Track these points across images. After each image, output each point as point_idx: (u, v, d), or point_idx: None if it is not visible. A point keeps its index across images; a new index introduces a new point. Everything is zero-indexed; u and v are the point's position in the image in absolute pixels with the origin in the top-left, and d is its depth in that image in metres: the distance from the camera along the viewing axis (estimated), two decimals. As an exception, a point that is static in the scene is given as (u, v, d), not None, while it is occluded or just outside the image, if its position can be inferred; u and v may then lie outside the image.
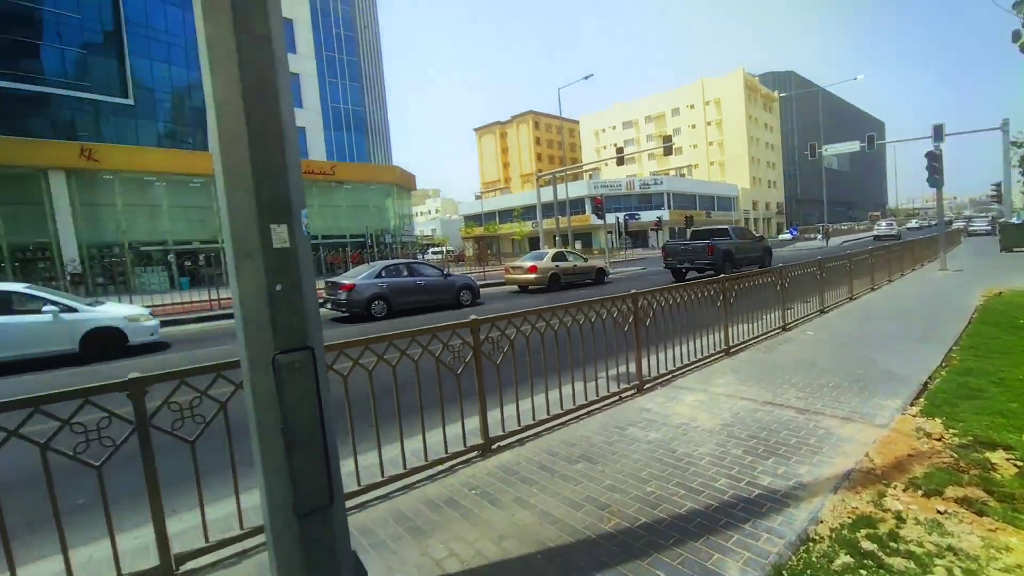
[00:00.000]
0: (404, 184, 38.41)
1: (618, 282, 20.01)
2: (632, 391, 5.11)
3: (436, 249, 53.79)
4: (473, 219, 72.24)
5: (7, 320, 8.21)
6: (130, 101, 34.19)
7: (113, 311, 9.25)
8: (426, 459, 3.51)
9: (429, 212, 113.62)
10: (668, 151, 28.50)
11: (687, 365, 5.84)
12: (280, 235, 1.76)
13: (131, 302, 13.37)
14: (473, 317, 3.81)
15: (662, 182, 60.68)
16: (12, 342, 8.20)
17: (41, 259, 21.89)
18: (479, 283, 16.05)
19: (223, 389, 2.69)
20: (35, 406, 2.20)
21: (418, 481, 3.43)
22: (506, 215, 64.42)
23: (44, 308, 8.39)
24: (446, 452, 3.62)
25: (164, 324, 11.59)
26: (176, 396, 2.55)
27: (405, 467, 3.39)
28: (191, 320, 13.54)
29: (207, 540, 2.68)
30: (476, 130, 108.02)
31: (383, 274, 12.89)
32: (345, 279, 12.59)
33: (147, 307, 10.93)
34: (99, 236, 23.52)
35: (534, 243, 52.41)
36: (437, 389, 3.56)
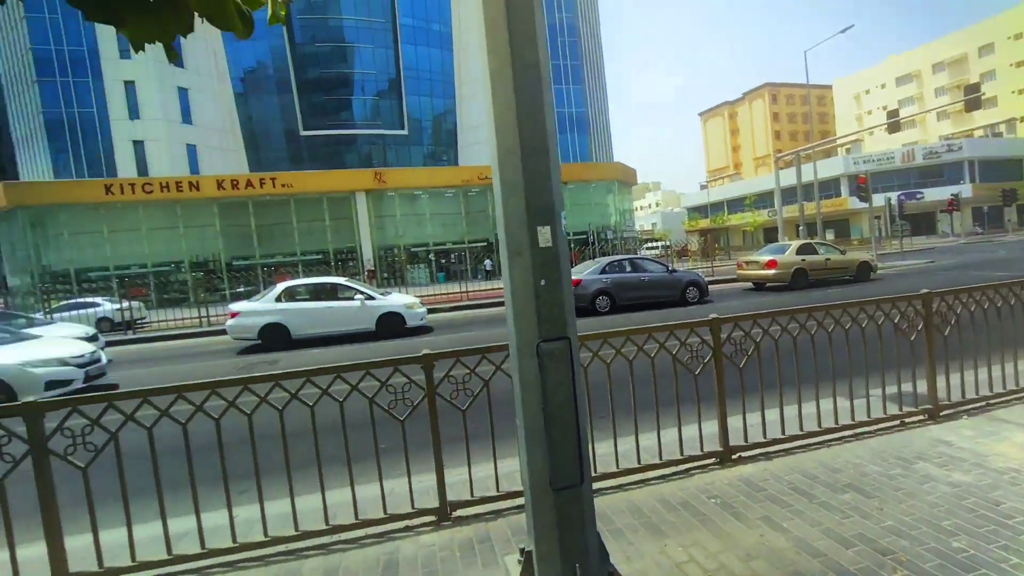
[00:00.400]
0: (625, 179, 38.34)
1: (890, 279, 16.14)
2: (921, 416, 4.08)
3: (651, 244, 51.81)
4: (697, 211, 67.66)
5: (334, 304, 11.19)
6: (405, 132, 42.68)
7: (397, 300, 11.72)
8: (660, 458, 3.46)
9: (649, 206, 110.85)
10: (974, 104, 21.60)
11: (1015, 392, 4.36)
12: (544, 235, 1.97)
13: (406, 293, 16.67)
14: (714, 315, 3.58)
15: (960, 147, 46.27)
16: (335, 321, 11.15)
17: (350, 259, 29.11)
18: (707, 279, 14.96)
19: (486, 368, 3.15)
20: (367, 369, 2.96)
21: (652, 478, 3.42)
22: (736, 204, 58.41)
23: (355, 296, 11.16)
24: (681, 454, 3.51)
25: (428, 311, 14.14)
26: (453, 371, 3.09)
27: (639, 462, 3.41)
28: (446, 309, 16.18)
29: (472, 495, 3.18)
30: (701, 115, 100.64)
31: (607, 270, 13.15)
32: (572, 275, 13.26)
33: (417, 297, 13.50)
34: (384, 240, 30.06)
35: (770, 234, 46.14)
36: (673, 388, 3.47)
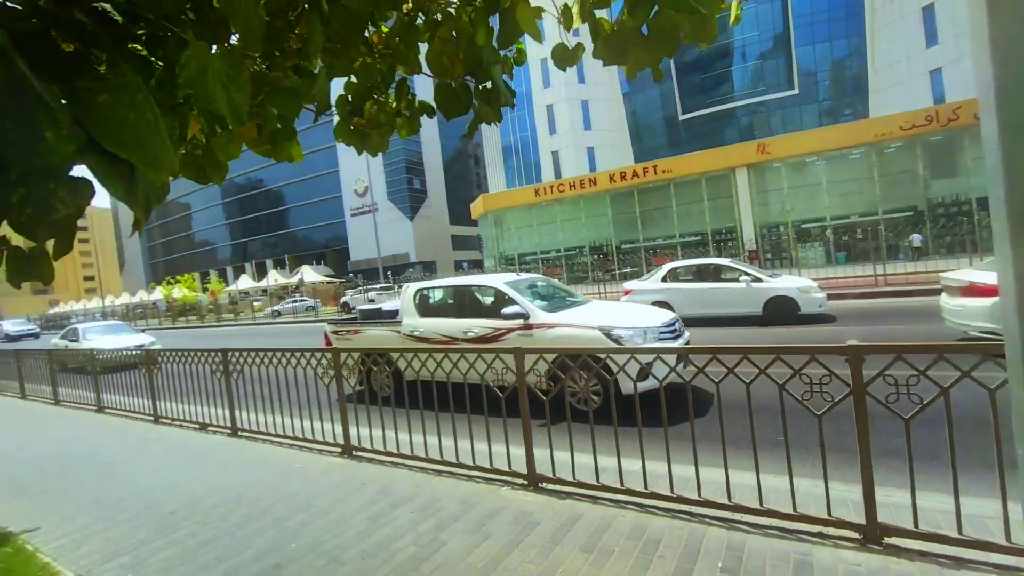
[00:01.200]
0: None
1: None
2: None
3: None
4: None
5: (719, 286, 11.02)
6: (795, 91, 37.34)
7: (789, 282, 10.54)
8: None
9: None
10: None
11: None
12: (1092, 191, 1.35)
13: (797, 275, 14.75)
14: None
15: None
16: (719, 302, 10.96)
17: (728, 239, 27.98)
18: None
19: (942, 373, 2.46)
20: (777, 354, 2.81)
21: None
22: None
23: (740, 278, 10.68)
24: None
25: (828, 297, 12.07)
26: (891, 370, 2.55)
27: None
28: (852, 295, 13.41)
29: (916, 525, 2.56)
30: None
31: None
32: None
33: (813, 280, 11.71)
34: (768, 218, 27.35)
35: None
36: None
